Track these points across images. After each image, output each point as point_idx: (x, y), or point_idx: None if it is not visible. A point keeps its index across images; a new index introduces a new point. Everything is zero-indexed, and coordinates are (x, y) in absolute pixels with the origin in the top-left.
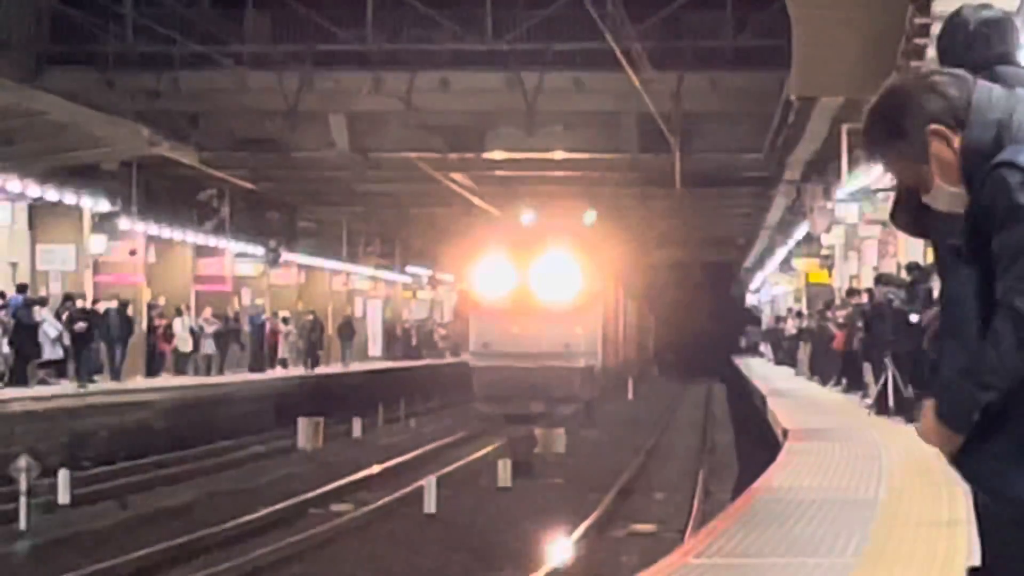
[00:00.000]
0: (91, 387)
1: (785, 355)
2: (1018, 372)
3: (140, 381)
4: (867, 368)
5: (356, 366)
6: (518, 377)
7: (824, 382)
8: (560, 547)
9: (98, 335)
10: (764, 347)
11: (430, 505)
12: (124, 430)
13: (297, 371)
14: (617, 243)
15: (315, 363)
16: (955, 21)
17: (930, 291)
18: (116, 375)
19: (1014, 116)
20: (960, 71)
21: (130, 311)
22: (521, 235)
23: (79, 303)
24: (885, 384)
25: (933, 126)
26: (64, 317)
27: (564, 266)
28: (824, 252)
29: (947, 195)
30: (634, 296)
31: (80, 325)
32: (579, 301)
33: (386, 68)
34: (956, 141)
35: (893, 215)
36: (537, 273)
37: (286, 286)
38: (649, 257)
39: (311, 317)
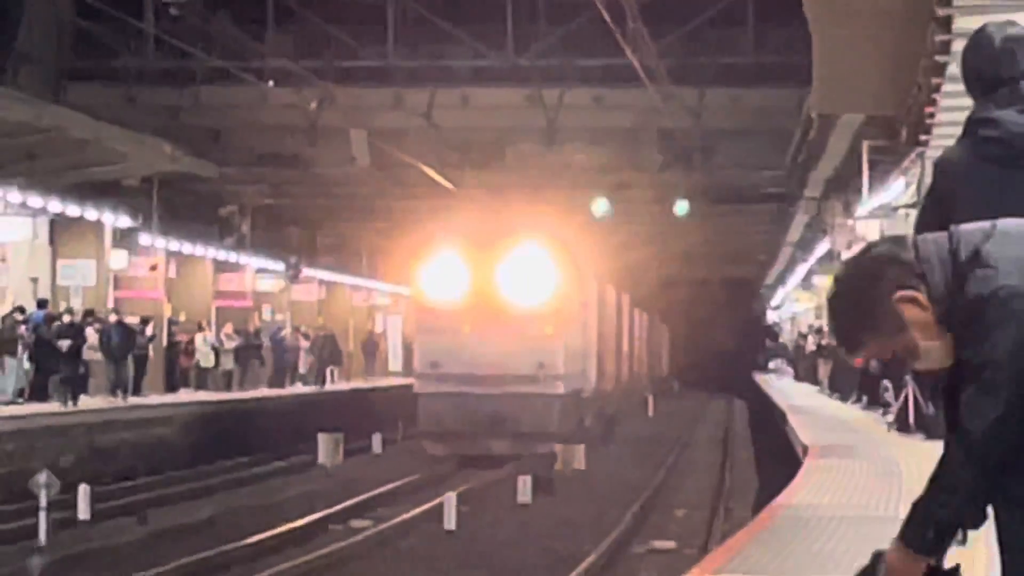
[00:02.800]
0: (114, 402)
1: (805, 372)
2: (968, 488)
3: (160, 397)
4: (886, 385)
5: (378, 381)
6: (476, 407)
7: (844, 399)
8: (580, 564)
9: (102, 350)
10: (774, 363)
11: (450, 521)
12: (143, 446)
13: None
14: (617, 240)
15: (323, 380)
16: (980, 37)
17: None
18: (116, 391)
19: (959, 244)
20: (895, 235)
21: (151, 327)
22: (482, 223)
23: (66, 319)
24: (906, 401)
25: (899, 293)
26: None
27: (539, 263)
28: None
29: (937, 351)
30: (645, 307)
31: (64, 342)
32: (560, 307)
33: (407, 84)
34: (923, 297)
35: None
36: (503, 272)
37: (307, 302)
38: (669, 272)
39: (322, 333)
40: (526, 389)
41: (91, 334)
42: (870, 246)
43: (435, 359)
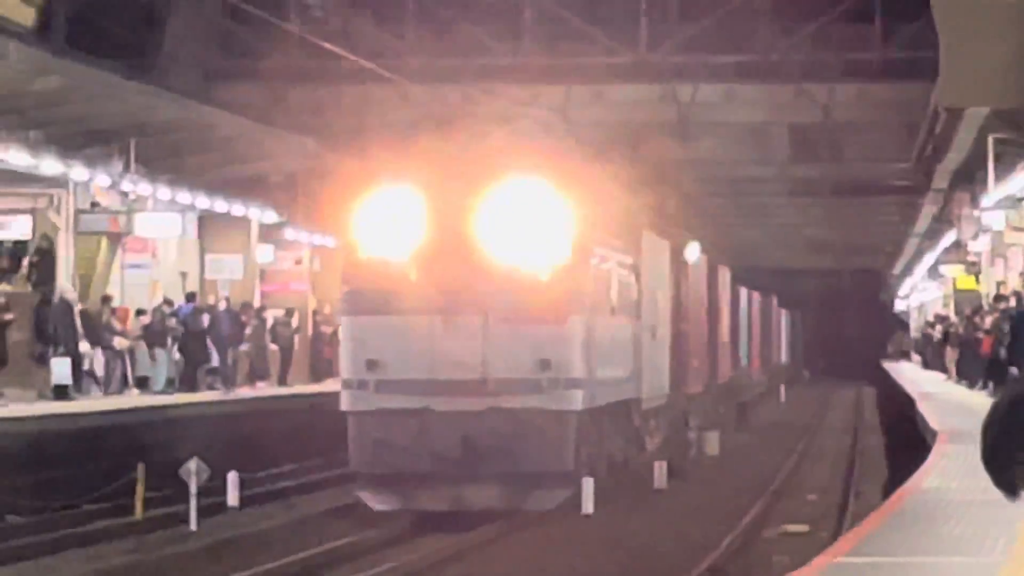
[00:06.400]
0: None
1: (933, 359)
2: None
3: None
4: (1013, 372)
5: None
6: (441, 434)
7: (971, 386)
8: (714, 547)
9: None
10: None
11: (588, 506)
12: (290, 434)
13: None
14: (729, 220)
15: None
16: None
17: None
18: (227, 381)
19: None
20: None
21: (295, 319)
22: (446, 151)
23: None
24: None
25: None
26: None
27: (539, 202)
28: (971, 259)
29: None
30: (758, 289)
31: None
32: (578, 272)
33: (543, 81)
34: None
35: None
36: (485, 217)
37: None
38: (797, 262)
39: None
40: (521, 402)
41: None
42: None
43: (374, 355)
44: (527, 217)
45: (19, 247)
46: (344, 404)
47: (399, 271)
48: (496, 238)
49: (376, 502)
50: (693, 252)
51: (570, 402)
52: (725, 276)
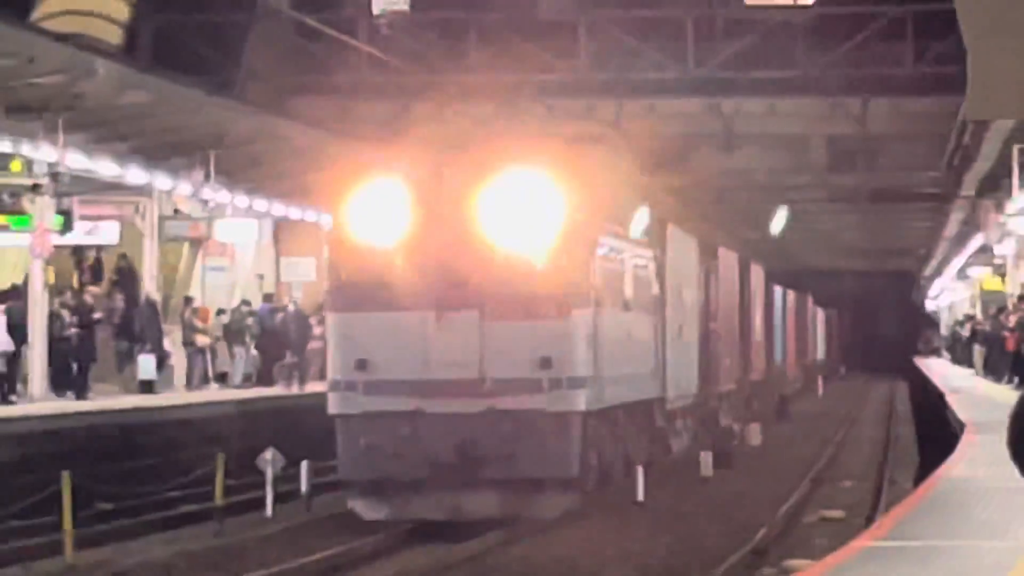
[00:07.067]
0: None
1: (962, 356)
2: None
3: None
4: None
5: None
6: (436, 438)
7: (997, 380)
8: (757, 531)
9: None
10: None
11: (639, 493)
12: None
13: None
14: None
15: None
16: None
17: None
18: (300, 377)
19: None
20: None
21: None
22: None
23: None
24: None
25: None
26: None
27: (536, 194)
28: (997, 262)
29: None
30: (793, 288)
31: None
32: (580, 260)
33: (597, 96)
34: None
35: None
36: (475, 212)
37: None
38: (835, 264)
39: None
40: (521, 404)
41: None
42: None
43: (363, 355)
44: (525, 207)
45: (103, 252)
46: (331, 407)
47: (389, 265)
48: (493, 229)
49: (367, 511)
50: (731, 257)
51: (573, 403)
52: (758, 275)
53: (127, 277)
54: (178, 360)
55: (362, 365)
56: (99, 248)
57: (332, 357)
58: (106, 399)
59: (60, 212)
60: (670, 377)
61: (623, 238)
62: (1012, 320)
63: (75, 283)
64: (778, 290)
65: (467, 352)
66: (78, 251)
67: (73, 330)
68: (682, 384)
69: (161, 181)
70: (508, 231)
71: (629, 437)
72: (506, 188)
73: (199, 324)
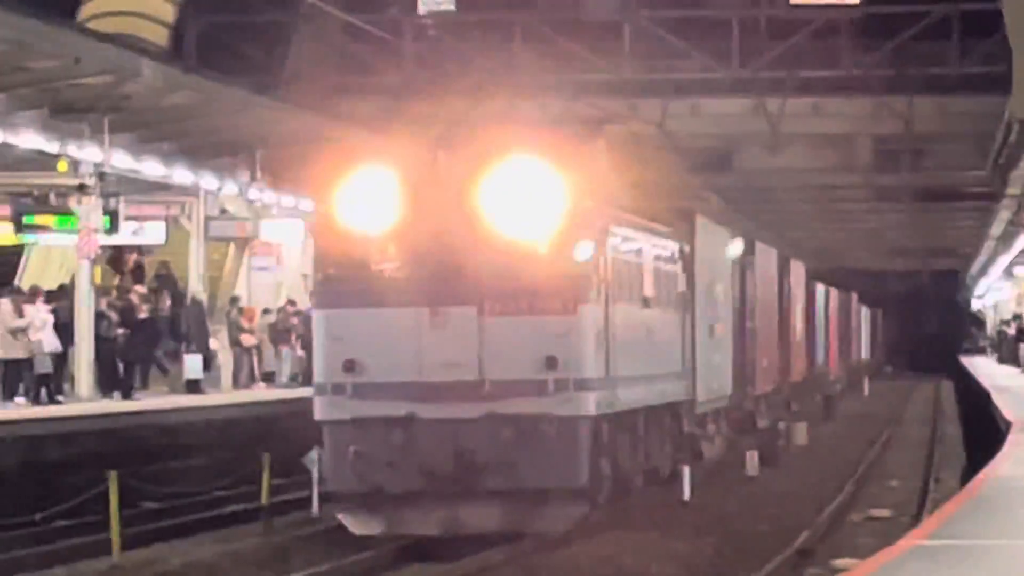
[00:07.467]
0: None
1: (1007, 354)
2: None
3: None
4: None
5: None
6: (429, 444)
7: None
8: (803, 530)
9: None
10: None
11: (686, 493)
12: None
13: None
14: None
15: None
16: None
17: None
18: None
19: None
20: None
21: None
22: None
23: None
24: None
25: None
26: None
27: (538, 182)
28: None
29: None
30: (837, 286)
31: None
32: (577, 242)
33: (642, 96)
34: None
35: None
36: (473, 202)
37: None
38: (881, 264)
39: None
40: (523, 408)
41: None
42: None
43: (352, 355)
44: (527, 193)
45: (144, 256)
46: (317, 412)
47: (379, 257)
48: (492, 217)
49: (357, 526)
50: (770, 253)
51: (581, 406)
52: (799, 273)
53: (168, 284)
54: (224, 360)
55: (351, 367)
56: (140, 251)
57: (318, 358)
58: (153, 398)
59: (106, 212)
60: (700, 378)
61: (641, 228)
62: None
63: (112, 291)
64: (820, 288)
65: (464, 352)
66: (116, 258)
67: (119, 330)
68: (714, 386)
69: (207, 181)
70: (509, 220)
71: (652, 443)
72: (506, 174)
73: (245, 324)
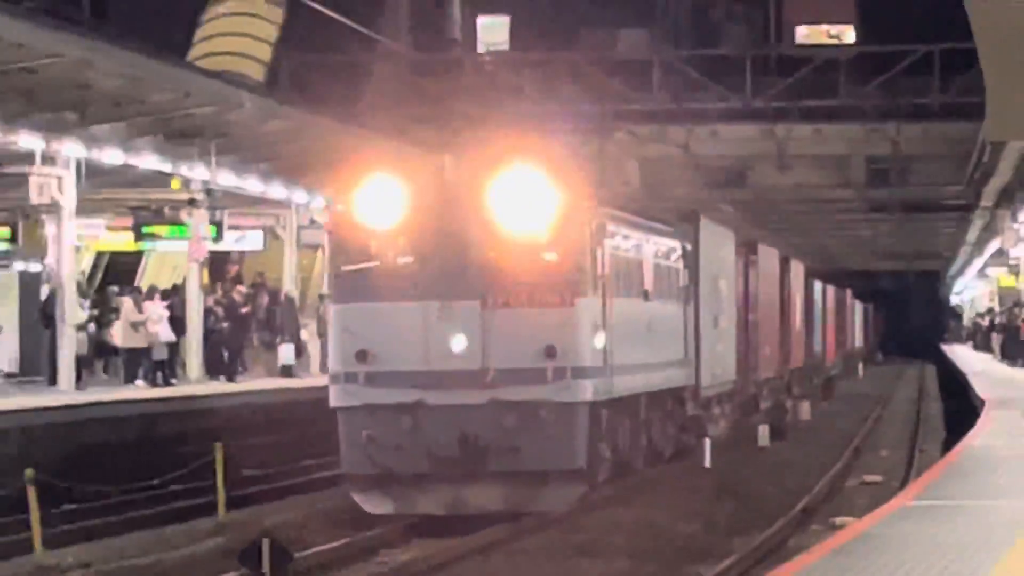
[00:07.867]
0: None
1: (982, 343)
2: None
3: None
4: None
5: None
6: (436, 429)
7: (1013, 363)
8: (807, 493)
9: None
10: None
11: (707, 460)
12: None
13: None
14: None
15: None
16: None
17: None
18: None
19: None
20: None
21: None
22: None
23: None
24: None
25: None
26: None
27: (539, 183)
28: (1012, 262)
29: None
30: (834, 283)
31: None
32: (581, 247)
33: (669, 122)
34: None
35: None
36: (477, 201)
37: None
38: (871, 265)
39: None
40: (524, 394)
41: None
42: None
43: (364, 346)
44: (528, 198)
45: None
46: (332, 400)
47: (390, 255)
48: (495, 216)
49: (369, 505)
50: (771, 253)
51: (579, 393)
52: (798, 270)
53: (261, 292)
54: (313, 349)
55: (363, 357)
56: (241, 258)
57: (333, 349)
58: (253, 380)
59: (213, 223)
60: (705, 365)
61: (642, 228)
62: None
63: (218, 290)
64: (818, 285)
65: (469, 342)
66: (218, 267)
67: (224, 323)
68: (718, 372)
69: (298, 196)
70: (511, 220)
71: (654, 425)
72: (509, 178)
73: None
